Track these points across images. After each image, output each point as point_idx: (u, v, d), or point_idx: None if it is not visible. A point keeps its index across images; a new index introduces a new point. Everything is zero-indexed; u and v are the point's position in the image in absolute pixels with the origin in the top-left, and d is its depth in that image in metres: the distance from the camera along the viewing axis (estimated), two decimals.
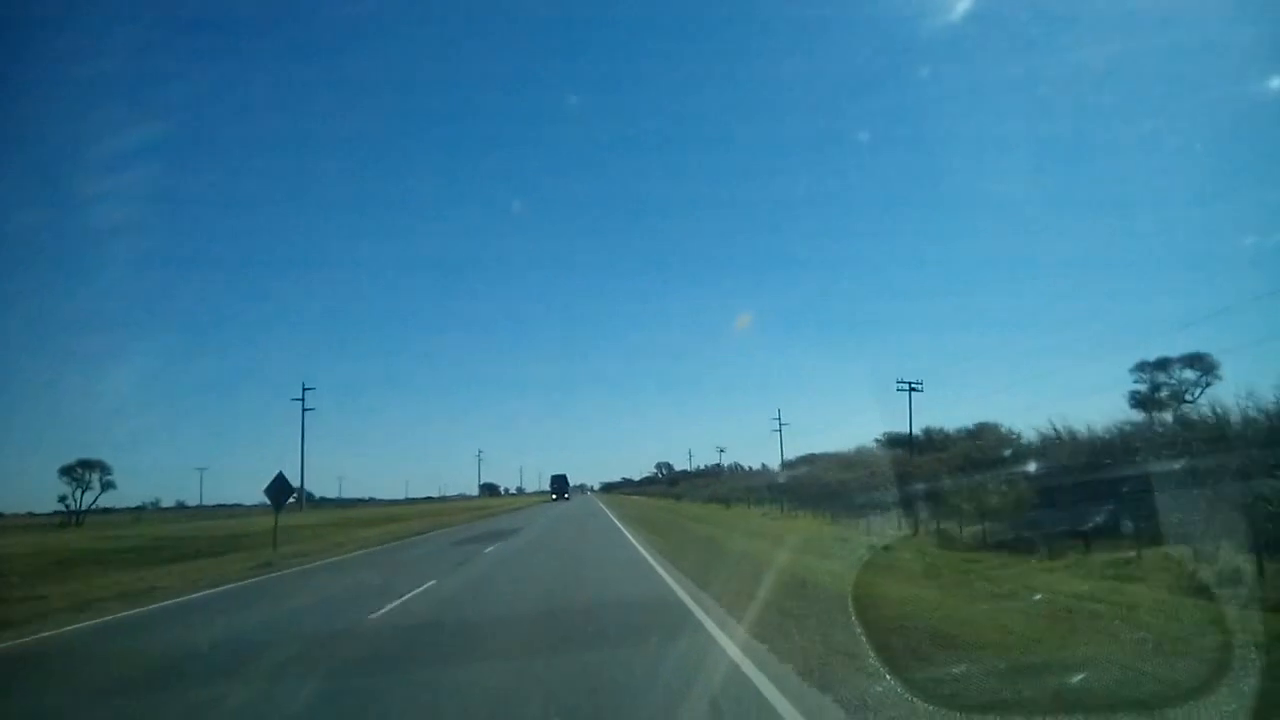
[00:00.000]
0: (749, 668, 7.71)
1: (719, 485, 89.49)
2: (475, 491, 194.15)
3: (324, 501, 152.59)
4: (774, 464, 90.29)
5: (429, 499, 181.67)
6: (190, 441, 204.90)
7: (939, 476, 25.57)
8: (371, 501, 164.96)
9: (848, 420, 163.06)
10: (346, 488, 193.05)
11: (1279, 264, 54.23)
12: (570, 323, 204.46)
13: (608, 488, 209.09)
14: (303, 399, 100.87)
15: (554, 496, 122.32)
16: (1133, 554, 13.74)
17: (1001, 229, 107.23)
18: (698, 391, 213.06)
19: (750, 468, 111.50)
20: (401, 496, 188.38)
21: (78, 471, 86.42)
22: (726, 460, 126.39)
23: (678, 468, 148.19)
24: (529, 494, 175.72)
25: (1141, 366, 52.76)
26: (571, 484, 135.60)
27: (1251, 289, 69.21)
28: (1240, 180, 66.52)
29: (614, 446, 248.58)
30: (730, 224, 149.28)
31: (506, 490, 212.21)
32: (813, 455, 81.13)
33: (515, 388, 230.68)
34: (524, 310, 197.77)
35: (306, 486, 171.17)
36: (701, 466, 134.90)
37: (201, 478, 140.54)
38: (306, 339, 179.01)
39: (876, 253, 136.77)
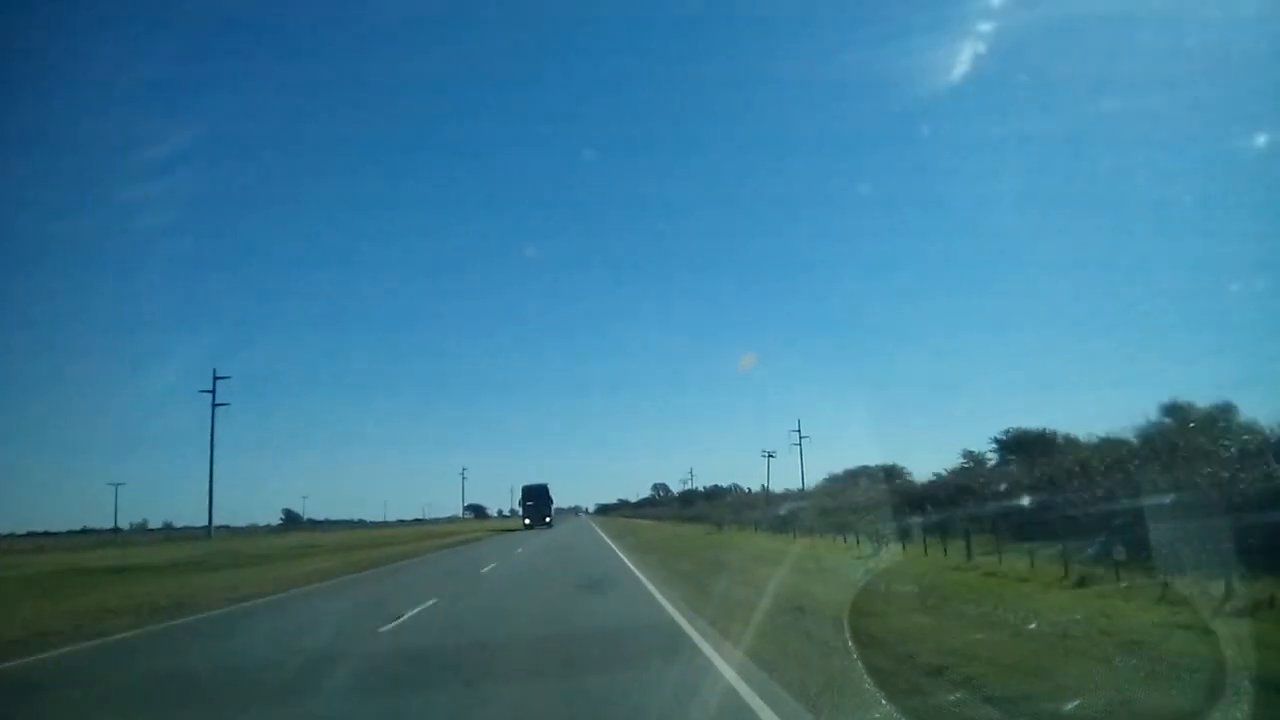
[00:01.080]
0: None
1: (763, 506, 60.92)
2: (460, 513, 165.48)
3: (312, 524, 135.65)
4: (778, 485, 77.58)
5: (419, 521, 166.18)
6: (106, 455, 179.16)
7: None
8: (343, 524, 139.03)
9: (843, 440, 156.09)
10: (336, 509, 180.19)
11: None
12: (563, 343, 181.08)
13: (604, 509, 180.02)
14: (213, 391, 72.25)
15: (527, 521, 74.27)
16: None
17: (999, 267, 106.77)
18: (694, 412, 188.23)
19: (750, 489, 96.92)
20: (380, 518, 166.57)
21: None
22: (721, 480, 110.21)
23: (674, 488, 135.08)
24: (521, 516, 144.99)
25: None
26: (561, 504, 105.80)
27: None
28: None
29: (607, 468, 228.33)
30: (731, 252, 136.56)
31: (500, 512, 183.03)
32: (856, 470, 57.45)
33: (505, 408, 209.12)
34: (514, 330, 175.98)
35: (290, 507, 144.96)
36: (699, 488, 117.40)
37: (117, 495, 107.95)
38: (278, 350, 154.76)
39: (879, 277, 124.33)
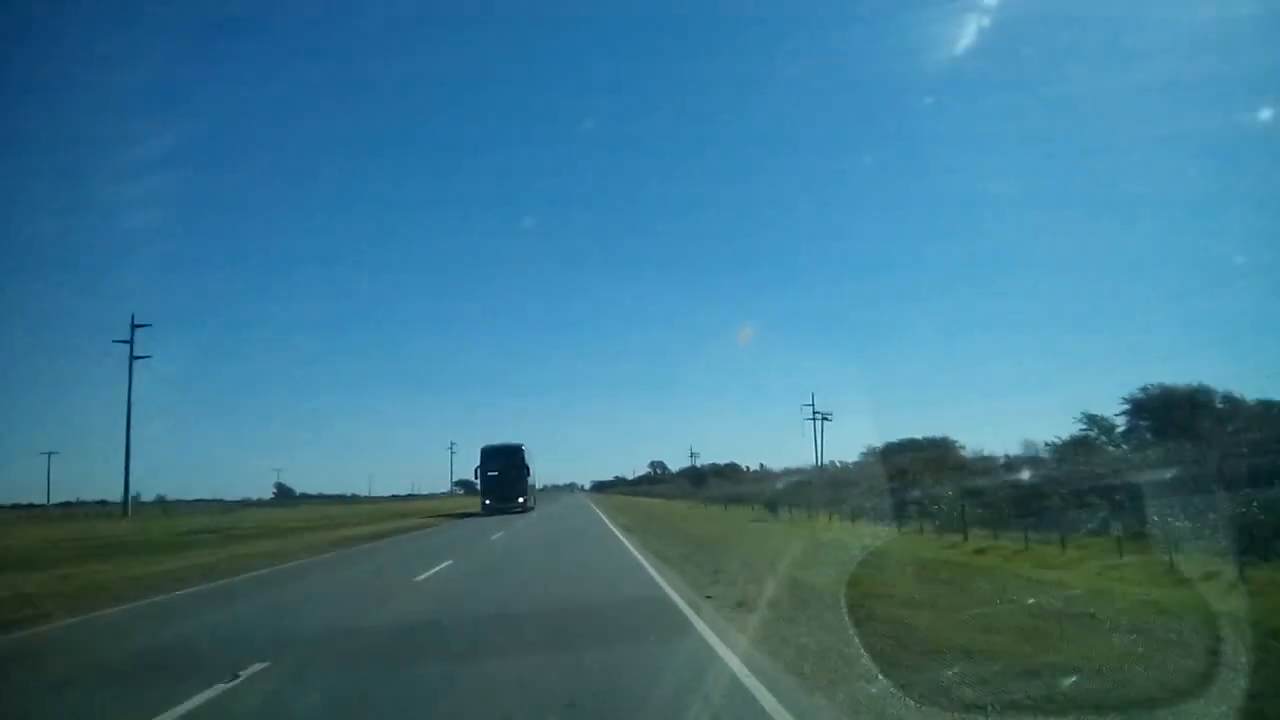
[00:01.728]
0: None
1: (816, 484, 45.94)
2: (450, 488, 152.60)
3: (306, 498, 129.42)
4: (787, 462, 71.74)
5: (411, 496, 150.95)
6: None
7: None
8: (332, 499, 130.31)
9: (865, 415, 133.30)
10: (331, 483, 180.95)
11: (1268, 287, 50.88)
12: (558, 319, 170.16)
13: (600, 487, 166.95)
14: (131, 341, 58.64)
15: (487, 503, 47.22)
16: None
17: (998, 248, 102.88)
18: (694, 389, 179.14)
19: (748, 468, 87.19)
20: (369, 493, 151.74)
21: None
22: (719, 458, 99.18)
23: (671, 466, 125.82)
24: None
25: None
26: (556, 479, 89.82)
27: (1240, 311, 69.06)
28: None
29: (603, 445, 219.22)
30: (729, 226, 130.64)
31: None
32: (901, 444, 44.60)
33: (499, 383, 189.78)
34: (508, 305, 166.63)
35: (283, 481, 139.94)
36: (698, 465, 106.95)
37: (49, 465, 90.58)
38: (275, 325, 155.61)
39: (878, 263, 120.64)
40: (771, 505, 37.00)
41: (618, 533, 24.82)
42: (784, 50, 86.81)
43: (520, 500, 46.83)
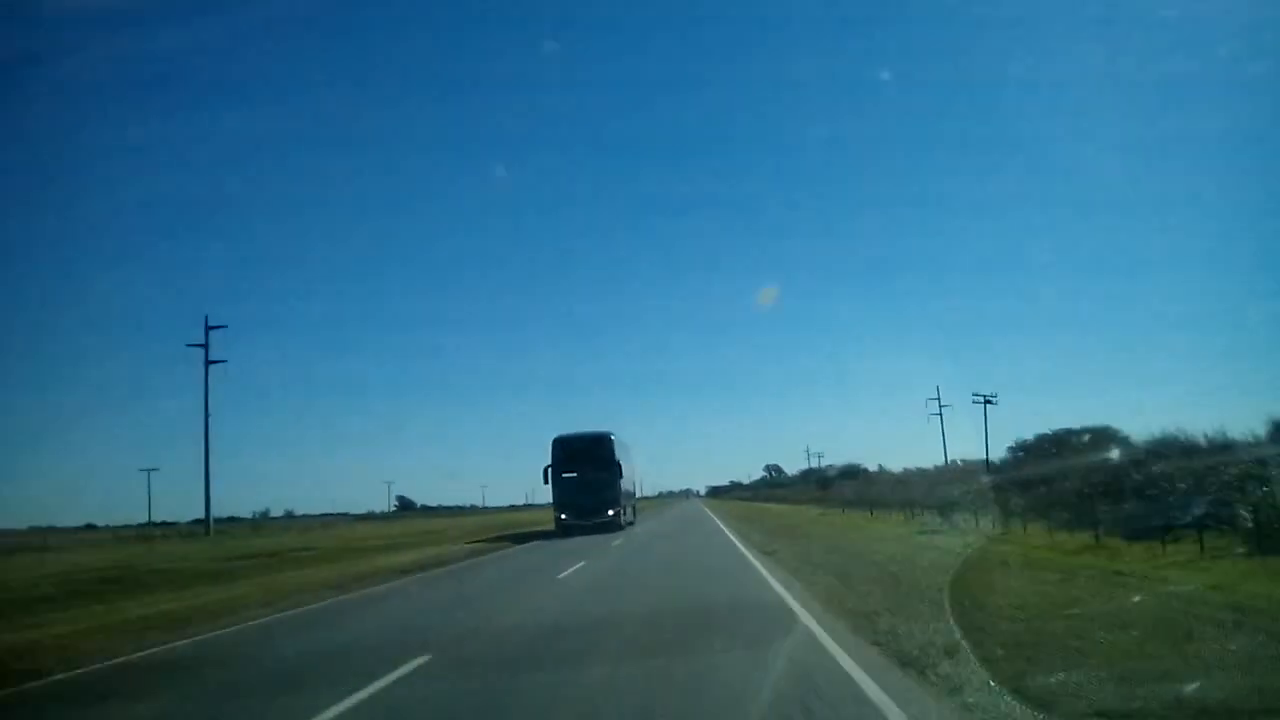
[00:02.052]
0: None
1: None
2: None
3: (426, 509, 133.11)
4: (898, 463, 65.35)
5: (529, 505, 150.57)
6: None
7: None
8: (451, 510, 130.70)
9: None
10: (446, 494, 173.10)
11: None
12: (668, 321, 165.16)
13: (715, 492, 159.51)
14: (205, 345, 54.57)
15: (561, 516, 32.83)
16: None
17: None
18: (804, 389, 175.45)
19: (869, 469, 75.75)
20: (482, 503, 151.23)
21: None
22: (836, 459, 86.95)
23: (787, 469, 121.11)
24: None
25: None
26: (669, 485, 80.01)
27: None
28: None
29: (716, 449, 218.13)
30: (847, 222, 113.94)
31: None
32: (1057, 434, 34.04)
33: (610, 387, 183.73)
34: (620, 308, 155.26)
35: (404, 492, 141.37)
36: (818, 466, 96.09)
37: (150, 482, 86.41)
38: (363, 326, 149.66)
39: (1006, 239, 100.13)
40: (945, 511, 27.45)
41: (764, 571, 15.15)
42: None
43: (610, 513, 33.28)
